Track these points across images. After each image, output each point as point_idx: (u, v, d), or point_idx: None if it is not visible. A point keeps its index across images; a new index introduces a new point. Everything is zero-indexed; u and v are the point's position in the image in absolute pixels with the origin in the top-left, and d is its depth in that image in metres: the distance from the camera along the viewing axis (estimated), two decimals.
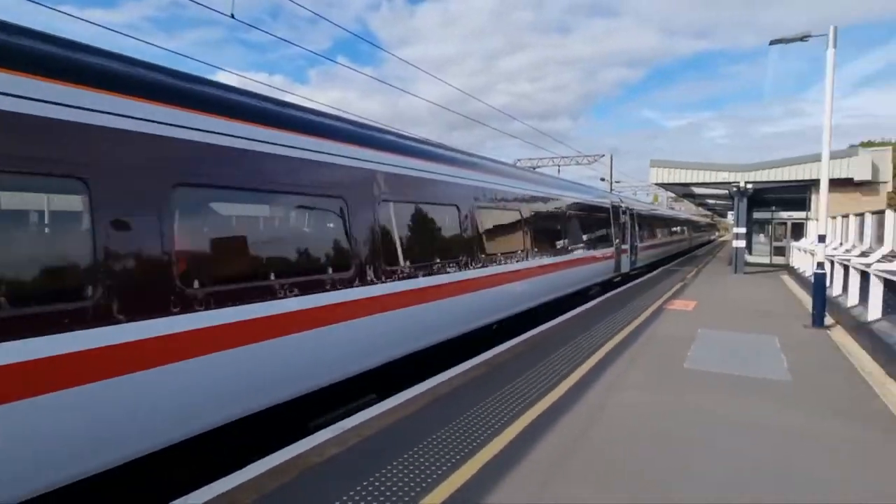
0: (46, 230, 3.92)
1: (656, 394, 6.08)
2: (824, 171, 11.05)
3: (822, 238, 10.91)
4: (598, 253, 15.76)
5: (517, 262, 9.95)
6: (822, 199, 11.20)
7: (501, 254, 9.37)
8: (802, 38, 11.03)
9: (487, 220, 9.06)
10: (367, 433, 4.87)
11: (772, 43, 11.70)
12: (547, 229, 12.03)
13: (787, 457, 4.45)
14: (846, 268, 11.18)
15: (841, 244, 14.05)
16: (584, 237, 14.64)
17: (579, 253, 13.86)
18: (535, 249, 10.84)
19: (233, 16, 8.36)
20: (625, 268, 19.36)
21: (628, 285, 17.50)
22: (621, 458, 4.41)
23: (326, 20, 13.61)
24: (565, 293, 12.93)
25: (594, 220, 16.02)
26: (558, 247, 12.38)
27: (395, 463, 4.25)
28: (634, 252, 21.11)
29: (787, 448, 4.63)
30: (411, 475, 4.06)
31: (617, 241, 18.17)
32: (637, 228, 21.74)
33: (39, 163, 3.33)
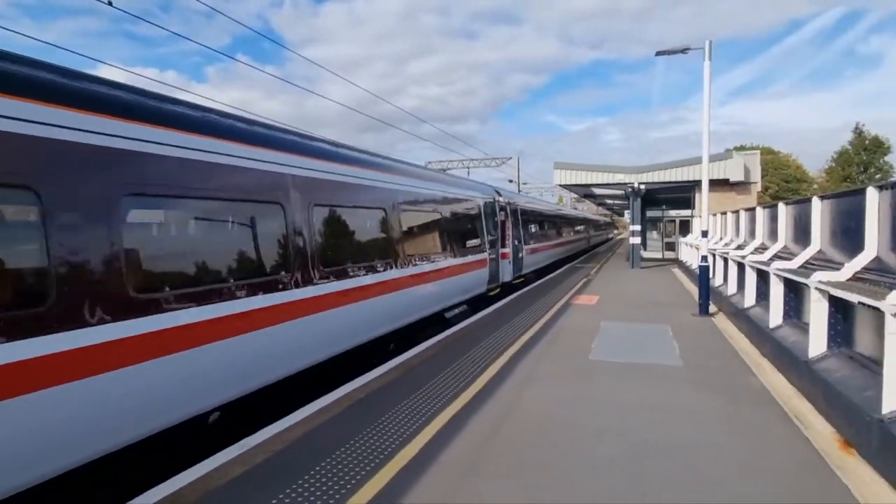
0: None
1: (565, 386, 6.35)
2: (704, 173, 12.20)
3: (704, 233, 12.00)
4: (457, 263, 11.78)
5: (289, 289, 6.05)
6: (703, 198, 12.36)
7: (254, 277, 5.65)
8: (683, 51, 12.08)
9: (230, 217, 5.64)
10: (277, 447, 4.62)
11: (657, 54, 12.71)
12: (353, 237, 8.02)
13: (681, 433, 4.82)
14: (725, 260, 12.36)
15: (721, 239, 15.53)
16: (433, 244, 10.87)
17: (423, 267, 9.90)
18: (331, 267, 6.95)
19: (111, 3, 7.60)
20: (506, 276, 16.05)
21: (541, 281, 18.16)
22: (534, 450, 4.53)
23: (224, 15, 12.82)
24: (398, 326, 8.87)
25: (453, 220, 12.19)
26: (373, 262, 8.14)
27: (306, 477, 4.06)
28: (519, 255, 17.85)
29: (681, 425, 5.02)
30: (324, 488, 3.89)
31: (493, 245, 14.72)
32: (523, 229, 18.64)
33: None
